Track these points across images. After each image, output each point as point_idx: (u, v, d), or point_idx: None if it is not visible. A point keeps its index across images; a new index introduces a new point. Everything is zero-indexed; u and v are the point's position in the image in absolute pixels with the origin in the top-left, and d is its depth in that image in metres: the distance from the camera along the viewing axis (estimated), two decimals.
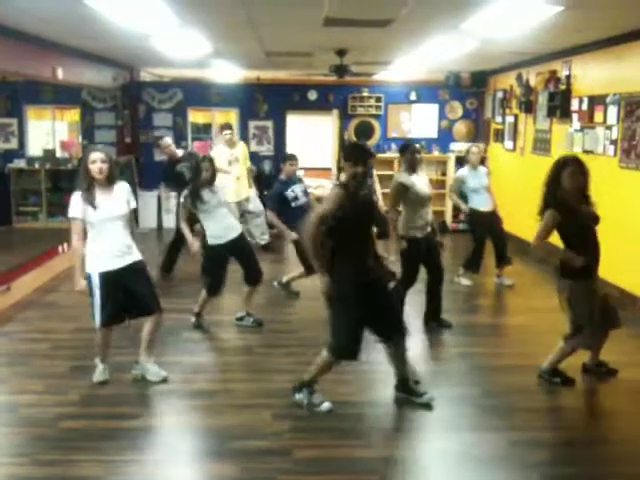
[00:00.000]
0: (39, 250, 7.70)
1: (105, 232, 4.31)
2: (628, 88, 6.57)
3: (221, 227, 5.53)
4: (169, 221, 11.32)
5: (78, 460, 3.57)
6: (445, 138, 11.68)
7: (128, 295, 4.39)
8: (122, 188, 4.43)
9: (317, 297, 6.65)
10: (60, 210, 10.72)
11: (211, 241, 5.53)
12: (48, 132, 11.32)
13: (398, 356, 4.25)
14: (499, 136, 10.64)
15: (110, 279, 4.31)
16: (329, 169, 12.34)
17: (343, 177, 4.19)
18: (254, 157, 11.66)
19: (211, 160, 5.72)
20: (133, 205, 4.46)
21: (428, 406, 4.21)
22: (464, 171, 7.45)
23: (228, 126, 9.02)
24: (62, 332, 5.63)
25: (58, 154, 11.14)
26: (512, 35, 6.24)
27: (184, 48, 7.52)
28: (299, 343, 5.45)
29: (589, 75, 7.52)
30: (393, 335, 4.19)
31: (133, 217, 4.54)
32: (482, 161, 7.66)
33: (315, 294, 6.77)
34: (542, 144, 8.76)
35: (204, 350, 5.34)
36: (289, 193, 6.39)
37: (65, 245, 8.08)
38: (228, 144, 8.81)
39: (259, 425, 4.01)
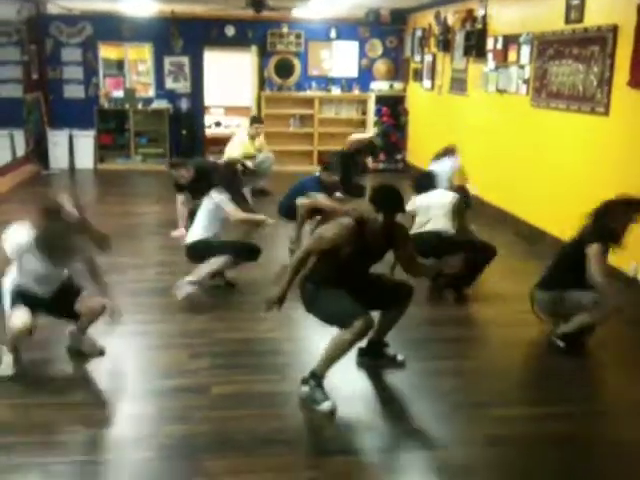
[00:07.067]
0: None
1: None
2: (540, 27, 6.69)
3: None
4: (82, 162, 10.97)
5: None
6: (365, 77, 11.65)
7: None
8: None
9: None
10: None
11: None
12: None
13: (395, 318, 4.01)
14: (418, 75, 10.69)
15: None
16: (248, 108, 12.12)
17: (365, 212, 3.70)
18: (170, 95, 11.34)
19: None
20: None
21: (403, 365, 4.08)
22: None
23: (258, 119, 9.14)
24: None
25: None
26: None
27: None
28: (216, 283, 5.45)
29: (504, 14, 7.61)
30: (404, 298, 3.94)
31: None
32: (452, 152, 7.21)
33: None
34: (459, 83, 8.86)
35: (120, 293, 5.23)
36: None
37: None
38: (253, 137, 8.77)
39: (176, 364, 4.02)
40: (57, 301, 3.93)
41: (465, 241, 5.26)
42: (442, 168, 6.81)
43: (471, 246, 5.17)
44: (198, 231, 5.16)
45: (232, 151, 8.47)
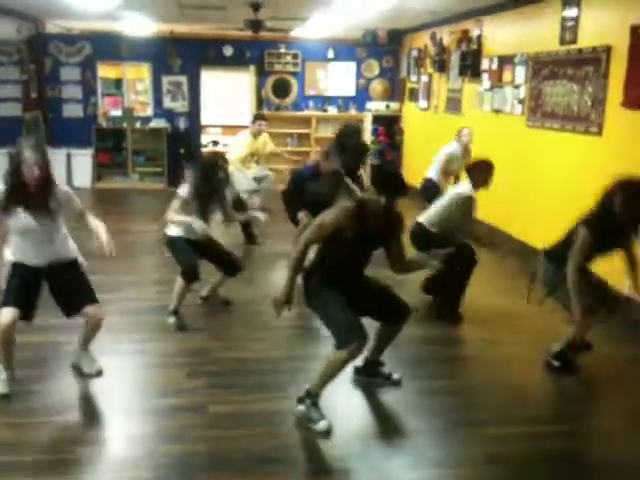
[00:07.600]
0: None
1: None
2: (535, 48, 6.77)
3: None
4: (79, 181, 10.99)
5: None
6: (362, 97, 11.74)
7: None
8: None
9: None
10: None
11: None
12: None
13: (390, 337, 3.98)
14: (414, 95, 10.77)
15: None
16: (246, 127, 12.16)
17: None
18: (168, 114, 11.41)
19: None
20: None
21: (399, 384, 4.07)
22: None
23: (261, 116, 8.29)
24: None
25: None
26: None
27: None
28: (213, 301, 5.44)
29: (499, 35, 7.70)
30: (399, 316, 3.88)
31: None
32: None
33: None
34: (454, 103, 8.93)
35: (117, 311, 5.23)
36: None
37: None
38: (255, 135, 7.94)
39: (173, 383, 4.01)
40: (56, 276, 3.86)
41: (445, 239, 4.95)
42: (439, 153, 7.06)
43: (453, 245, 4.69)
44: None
45: (237, 151, 7.79)
